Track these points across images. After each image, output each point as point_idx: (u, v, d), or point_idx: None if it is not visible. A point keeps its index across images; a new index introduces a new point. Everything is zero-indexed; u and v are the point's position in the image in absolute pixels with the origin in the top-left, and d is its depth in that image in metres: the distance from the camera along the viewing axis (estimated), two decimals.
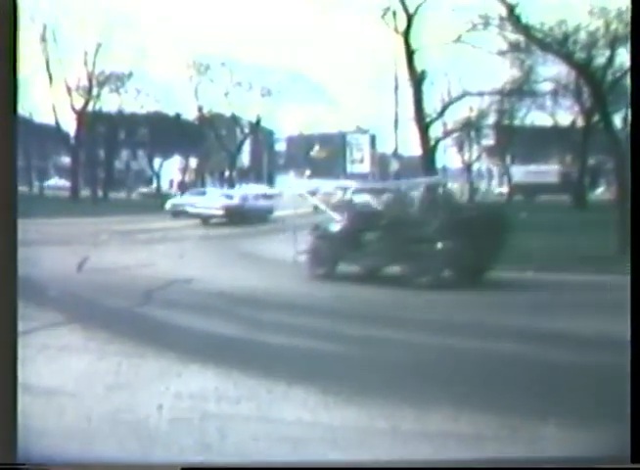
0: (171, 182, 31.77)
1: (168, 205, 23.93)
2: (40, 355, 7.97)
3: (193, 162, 32.04)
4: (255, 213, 20.80)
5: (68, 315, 10.35)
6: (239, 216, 20.98)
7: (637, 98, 7.75)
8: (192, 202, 22.73)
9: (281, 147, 33.32)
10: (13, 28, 7.07)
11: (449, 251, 12.11)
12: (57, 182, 29.82)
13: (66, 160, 28.85)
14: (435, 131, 26.05)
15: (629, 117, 24.56)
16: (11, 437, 6.67)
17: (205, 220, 20.62)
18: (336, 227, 13.61)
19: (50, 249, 16.38)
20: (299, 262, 13.91)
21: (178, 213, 22.32)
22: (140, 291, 12.07)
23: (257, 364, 7.97)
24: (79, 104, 26.77)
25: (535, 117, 28.52)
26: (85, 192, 28.42)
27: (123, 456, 6.42)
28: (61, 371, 7.64)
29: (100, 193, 28.90)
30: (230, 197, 22.32)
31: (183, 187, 30.21)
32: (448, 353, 8.70)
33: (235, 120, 29.57)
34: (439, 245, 12.08)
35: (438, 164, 27.30)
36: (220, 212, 20.89)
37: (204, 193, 24.60)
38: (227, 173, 29.57)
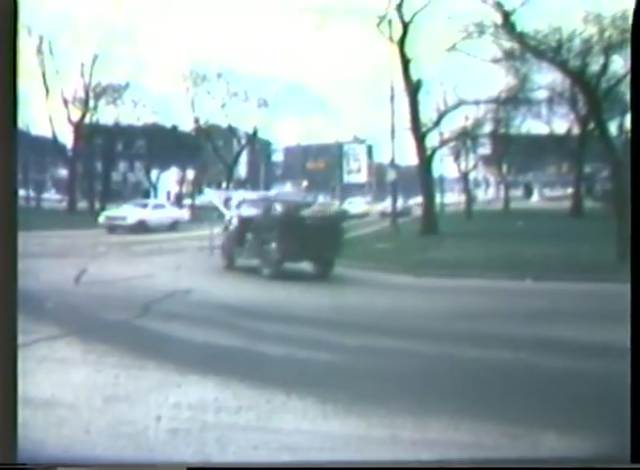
0: (168, 194, 31.81)
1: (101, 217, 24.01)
2: (39, 368, 7.92)
3: (190, 173, 32.08)
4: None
5: (66, 328, 10.29)
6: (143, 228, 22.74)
7: (637, 101, 7.73)
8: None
9: (278, 158, 33.35)
10: (13, 42, 7.07)
11: (281, 249, 14.74)
12: (54, 194, 29.81)
13: (63, 172, 28.88)
14: (432, 141, 26.14)
15: (625, 125, 24.65)
16: (11, 437, 6.63)
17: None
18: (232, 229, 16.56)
19: (48, 261, 16.37)
20: None
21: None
22: (138, 303, 12.01)
23: (256, 375, 7.92)
24: (76, 116, 26.78)
25: (531, 126, 28.63)
26: (82, 204, 28.45)
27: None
28: (60, 383, 7.56)
29: (97, 205, 28.93)
30: (145, 205, 23.69)
31: (180, 199, 30.28)
32: (448, 362, 8.68)
33: (232, 132, 29.61)
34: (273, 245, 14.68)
35: (435, 174, 27.36)
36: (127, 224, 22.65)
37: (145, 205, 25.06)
38: (224, 184, 29.61)
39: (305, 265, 15.37)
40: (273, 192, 21.44)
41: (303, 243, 14.97)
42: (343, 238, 16.51)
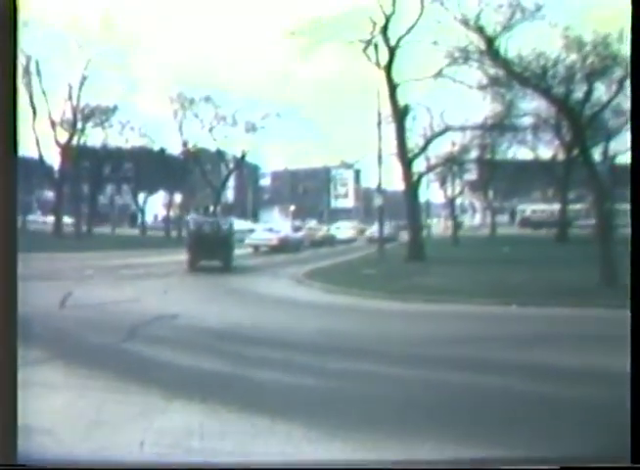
0: (155, 217, 31.79)
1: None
2: (23, 393, 7.88)
3: (177, 197, 32.05)
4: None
5: (51, 352, 10.24)
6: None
7: (637, 104, 7.80)
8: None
9: (266, 182, 33.40)
10: (13, 67, 7.09)
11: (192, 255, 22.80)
12: (40, 216, 29.69)
13: (49, 194, 28.81)
14: (419, 166, 26.36)
15: (608, 151, 24.81)
16: (11, 438, 6.61)
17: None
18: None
19: (33, 284, 16.29)
20: None
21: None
22: (125, 327, 11.99)
23: (242, 399, 7.92)
24: (63, 138, 26.86)
25: (517, 152, 28.88)
26: (69, 227, 28.38)
27: None
28: (41, 408, 7.51)
29: (84, 228, 28.87)
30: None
31: (167, 222, 30.28)
32: (433, 387, 8.69)
33: (220, 155, 29.71)
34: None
35: (422, 199, 27.46)
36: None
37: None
38: (212, 208, 29.62)
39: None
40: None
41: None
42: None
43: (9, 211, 7.10)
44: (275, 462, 6.36)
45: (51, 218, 27.82)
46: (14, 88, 7.08)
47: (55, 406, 7.74)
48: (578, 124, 21.12)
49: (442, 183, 30.97)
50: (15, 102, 7.10)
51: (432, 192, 30.78)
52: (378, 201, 26.84)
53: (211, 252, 22.59)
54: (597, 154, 24.24)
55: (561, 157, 28.36)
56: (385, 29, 23.26)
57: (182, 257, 22.47)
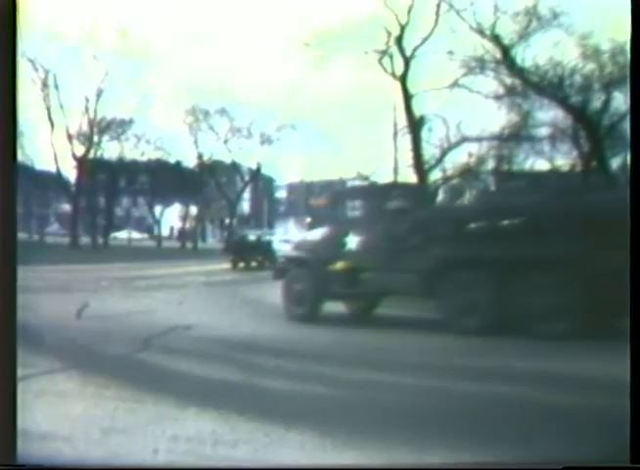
0: (172, 229, 31.86)
1: None
2: (38, 401, 7.89)
3: (193, 209, 32.11)
4: None
5: (67, 361, 10.27)
6: None
7: (636, 104, 7.72)
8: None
9: (281, 194, 33.40)
10: (12, 73, 7.13)
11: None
12: (57, 229, 29.86)
13: (66, 207, 28.96)
14: (435, 177, 26.25)
15: (628, 162, 24.81)
16: (11, 438, 6.59)
17: None
18: None
19: (50, 296, 16.40)
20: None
21: None
22: (139, 337, 12.00)
23: (255, 408, 7.86)
24: (80, 151, 27.04)
25: (534, 163, 28.69)
26: (85, 239, 28.50)
27: None
28: (57, 416, 7.52)
29: (100, 240, 28.99)
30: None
31: (183, 235, 30.37)
32: (448, 396, 8.61)
33: (235, 168, 29.76)
34: None
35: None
36: None
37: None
38: (227, 221, 29.63)
39: None
40: None
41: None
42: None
43: (9, 219, 7.12)
44: (275, 463, 6.31)
45: (68, 231, 27.99)
46: (13, 93, 7.11)
47: (70, 414, 7.73)
48: (596, 135, 21.03)
49: (460, 194, 30.85)
50: (14, 108, 7.14)
51: None
52: None
53: (251, 255, 27.32)
54: (616, 164, 24.03)
55: (579, 168, 28.21)
56: (400, 39, 23.25)
57: (197, 268, 22.48)
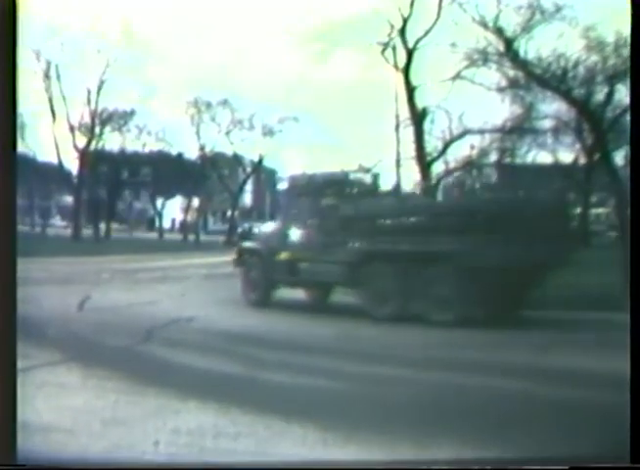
0: (173, 221, 31.85)
1: None
2: (39, 392, 7.89)
3: (195, 201, 32.05)
4: None
5: (68, 353, 10.27)
6: None
7: (637, 103, 7.69)
8: None
9: (283, 186, 33.23)
10: (12, 64, 7.10)
11: None
12: (59, 221, 29.82)
13: (68, 199, 28.92)
14: (437, 170, 26.18)
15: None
16: (11, 437, 6.59)
17: None
18: None
19: (52, 288, 16.41)
20: None
21: None
22: (141, 329, 12.00)
23: (256, 401, 7.85)
24: (82, 142, 26.98)
25: (537, 156, 28.58)
26: (87, 231, 28.47)
27: None
28: (58, 408, 7.52)
29: (102, 232, 28.96)
30: None
31: (185, 227, 30.34)
32: (450, 390, 8.59)
33: (237, 160, 29.70)
34: None
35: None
36: None
37: None
38: (229, 213, 29.58)
39: None
40: None
41: None
42: None
43: (9, 212, 7.11)
44: (289, 463, 6.29)
45: (70, 223, 27.99)
46: (14, 85, 7.09)
47: (71, 406, 7.73)
48: (600, 128, 20.96)
49: (461, 187, 30.79)
50: (14, 102, 7.12)
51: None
52: None
53: None
54: (619, 158, 23.95)
55: (582, 161, 28.13)
56: (402, 32, 23.17)
57: (199, 260, 22.48)
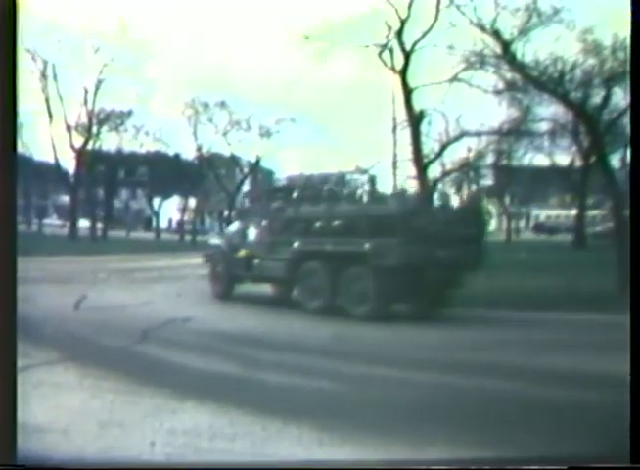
0: (170, 221, 31.85)
1: None
2: (36, 392, 7.88)
3: (192, 201, 32.01)
4: None
5: (64, 353, 10.25)
6: None
7: (636, 108, 7.72)
8: None
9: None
10: (12, 64, 7.10)
11: None
12: (56, 220, 29.76)
13: (65, 198, 28.89)
14: (434, 172, 26.21)
15: (627, 157, 24.55)
16: (11, 438, 6.58)
17: None
18: None
19: (48, 287, 16.38)
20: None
21: None
22: (137, 329, 11.98)
23: (253, 402, 7.86)
24: (79, 142, 26.96)
25: (533, 158, 28.63)
26: (84, 230, 28.44)
27: None
28: (54, 408, 7.51)
29: (98, 232, 28.94)
30: None
31: (182, 227, 30.28)
32: (446, 392, 8.62)
33: (234, 160, 29.70)
34: None
35: (437, 204, 27.27)
36: None
37: None
38: (226, 213, 29.55)
39: None
40: None
41: None
42: None
43: (8, 212, 7.11)
44: (286, 463, 6.30)
45: (66, 222, 27.95)
46: (13, 85, 7.09)
47: (67, 406, 7.72)
48: (596, 130, 20.95)
49: (458, 189, 30.86)
50: (14, 102, 7.12)
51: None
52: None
53: None
54: (615, 160, 23.98)
55: (578, 163, 28.17)
56: (400, 33, 23.15)
57: (195, 260, 22.44)
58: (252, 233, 17.16)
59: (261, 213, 17.26)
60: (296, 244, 15.38)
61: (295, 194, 17.06)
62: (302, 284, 15.23)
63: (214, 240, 18.96)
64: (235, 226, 18.44)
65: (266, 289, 17.40)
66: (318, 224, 15.16)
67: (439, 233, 14.00)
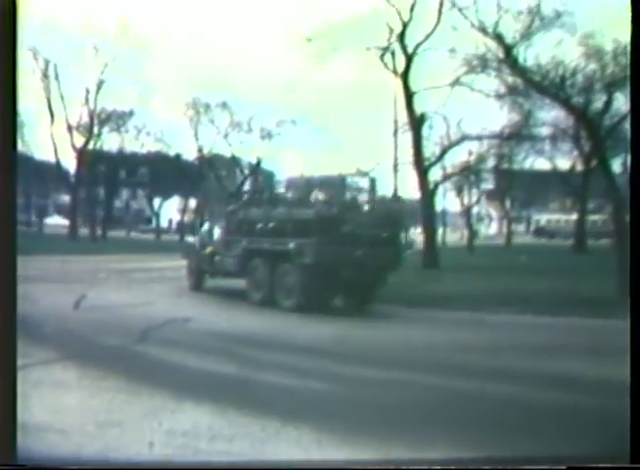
0: (170, 221, 31.86)
1: None
2: (35, 392, 7.86)
3: (192, 202, 32.00)
4: None
5: (64, 352, 10.24)
6: None
7: (636, 109, 7.72)
8: None
9: (281, 189, 33.19)
10: (12, 63, 7.10)
11: None
12: (56, 220, 29.76)
13: (65, 198, 28.88)
14: (435, 175, 26.25)
15: (628, 162, 24.64)
16: (11, 437, 6.57)
17: None
18: None
19: (48, 286, 16.38)
20: None
21: None
22: (137, 329, 11.96)
23: (252, 403, 7.85)
24: (80, 142, 26.97)
25: (534, 162, 28.63)
26: (84, 230, 28.44)
27: None
28: (53, 407, 7.49)
29: (99, 231, 28.95)
30: None
31: (182, 227, 30.26)
32: (446, 394, 8.61)
33: (235, 161, 29.70)
34: None
35: (438, 208, 27.27)
36: None
37: None
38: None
39: None
40: None
41: None
42: None
43: (9, 211, 7.10)
44: (284, 464, 6.30)
45: (67, 222, 27.93)
46: (14, 84, 7.09)
47: (66, 406, 7.71)
48: (597, 135, 20.97)
49: (459, 192, 30.86)
50: (15, 101, 7.11)
51: (448, 200, 30.71)
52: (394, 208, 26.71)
53: None
54: (616, 165, 23.99)
55: (579, 167, 28.17)
56: (402, 36, 23.18)
57: None
58: (217, 232, 19.09)
59: (221, 214, 19.61)
60: (244, 242, 17.16)
61: (244, 198, 19.94)
62: (249, 278, 16.83)
63: (190, 239, 20.99)
64: (205, 226, 20.43)
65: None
66: (259, 225, 16.97)
67: (357, 235, 15.77)
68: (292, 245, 15.68)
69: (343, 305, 16.27)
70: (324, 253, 15.29)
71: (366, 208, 19.11)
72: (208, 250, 18.49)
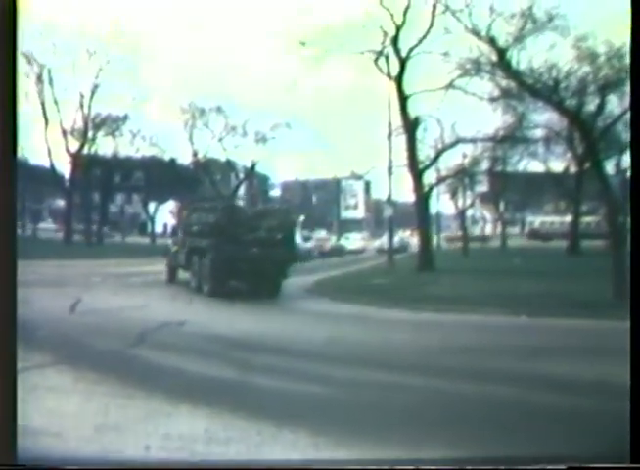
0: (165, 226, 31.81)
1: None
2: (31, 396, 7.86)
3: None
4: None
5: (59, 356, 10.23)
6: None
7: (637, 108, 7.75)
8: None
9: (276, 192, 33.25)
10: (12, 69, 7.11)
11: None
12: (51, 224, 29.68)
13: (60, 202, 28.82)
14: (429, 178, 26.29)
15: (621, 164, 24.62)
16: (11, 438, 6.58)
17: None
18: None
19: (43, 290, 16.34)
20: None
21: None
22: (132, 333, 11.95)
23: (248, 406, 7.86)
24: (74, 147, 26.93)
25: (528, 164, 28.70)
26: (79, 235, 28.40)
27: None
28: (48, 411, 7.49)
29: (94, 236, 28.90)
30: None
31: (176, 231, 30.17)
32: (441, 396, 8.62)
33: (230, 166, 29.71)
34: None
35: (432, 211, 27.30)
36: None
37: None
38: None
39: None
40: None
41: None
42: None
43: (9, 215, 7.11)
44: (281, 465, 6.32)
45: (61, 226, 27.90)
46: (13, 92, 7.10)
47: (62, 410, 7.72)
48: (591, 137, 21.00)
49: (453, 195, 30.92)
50: (14, 106, 7.12)
51: (442, 203, 30.75)
52: (388, 212, 26.78)
53: None
54: (610, 167, 24.07)
55: (573, 170, 28.26)
56: (395, 40, 23.24)
57: None
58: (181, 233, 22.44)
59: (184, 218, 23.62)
60: (188, 242, 20.64)
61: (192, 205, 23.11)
62: (190, 270, 20.33)
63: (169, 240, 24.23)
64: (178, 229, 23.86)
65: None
66: (195, 228, 20.66)
67: (255, 237, 19.21)
68: (204, 243, 19.58)
69: (249, 292, 19.36)
70: (222, 250, 18.86)
71: (264, 214, 21.54)
72: (174, 249, 21.80)
